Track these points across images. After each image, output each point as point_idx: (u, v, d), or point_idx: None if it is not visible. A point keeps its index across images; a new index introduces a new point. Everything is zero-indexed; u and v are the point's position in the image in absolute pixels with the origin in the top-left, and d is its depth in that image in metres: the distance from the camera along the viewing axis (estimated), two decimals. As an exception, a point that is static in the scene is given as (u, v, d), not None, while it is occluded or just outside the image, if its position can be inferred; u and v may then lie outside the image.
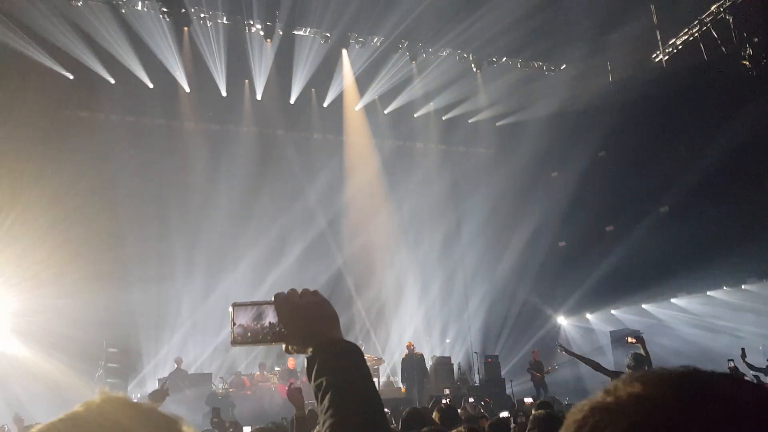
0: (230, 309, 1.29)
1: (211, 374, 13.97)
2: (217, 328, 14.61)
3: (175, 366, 13.52)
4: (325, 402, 1.14)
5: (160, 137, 16.80)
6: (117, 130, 16.32)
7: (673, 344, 15.83)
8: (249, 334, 1.28)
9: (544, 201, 18.08)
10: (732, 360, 9.61)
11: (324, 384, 1.16)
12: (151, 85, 16.54)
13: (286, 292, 1.29)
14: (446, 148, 19.98)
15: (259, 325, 1.28)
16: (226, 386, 13.13)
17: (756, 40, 15.91)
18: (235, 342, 1.29)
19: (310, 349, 1.22)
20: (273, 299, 1.28)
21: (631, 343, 7.65)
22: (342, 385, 1.15)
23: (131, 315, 14.86)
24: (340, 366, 1.18)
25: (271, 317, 1.28)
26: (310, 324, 1.25)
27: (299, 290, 1.30)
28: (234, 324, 1.28)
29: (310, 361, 1.20)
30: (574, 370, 16.93)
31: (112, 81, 16.17)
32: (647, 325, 16.87)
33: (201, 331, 15.79)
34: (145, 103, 16.67)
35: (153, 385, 14.29)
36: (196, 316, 15.67)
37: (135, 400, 1.02)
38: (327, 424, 1.12)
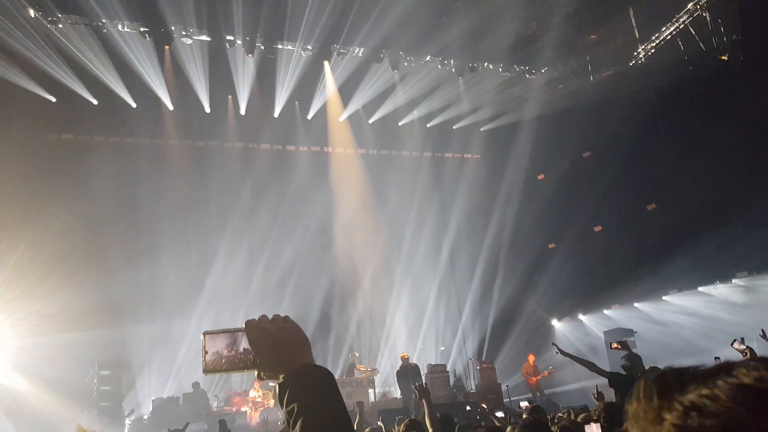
0: (201, 337, 1.29)
1: (205, 392, 13.92)
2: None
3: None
4: (297, 428, 1.14)
5: (145, 157, 16.78)
6: (101, 151, 16.35)
7: (667, 341, 15.83)
8: (223, 361, 1.28)
9: (532, 203, 18.11)
10: (718, 357, 9.53)
11: (296, 410, 1.16)
12: (134, 105, 16.57)
13: (257, 318, 1.30)
14: (432, 156, 20.02)
15: (233, 352, 1.28)
16: (221, 404, 13.07)
17: (734, 36, 16.08)
18: (207, 370, 1.28)
19: (282, 376, 1.23)
20: (244, 326, 1.28)
21: (616, 348, 7.63)
22: (313, 411, 1.15)
23: (127, 342, 14.79)
24: (311, 392, 1.18)
25: (244, 344, 1.28)
26: (281, 350, 1.25)
27: (270, 316, 1.31)
28: (206, 352, 1.28)
29: (282, 387, 1.21)
30: (570, 373, 16.90)
31: (95, 102, 16.19)
32: (641, 324, 16.89)
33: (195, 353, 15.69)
34: (129, 123, 16.70)
35: (147, 406, 14.23)
36: (189, 338, 15.48)
37: None
38: None
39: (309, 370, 1.22)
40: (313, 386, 1.19)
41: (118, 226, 15.57)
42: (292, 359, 1.24)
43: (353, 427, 1.19)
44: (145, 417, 13.63)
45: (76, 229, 14.33)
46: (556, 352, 7.69)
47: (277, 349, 1.25)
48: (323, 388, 1.20)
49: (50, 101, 15.52)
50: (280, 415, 12.07)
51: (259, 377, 1.27)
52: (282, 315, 1.32)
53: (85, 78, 15.71)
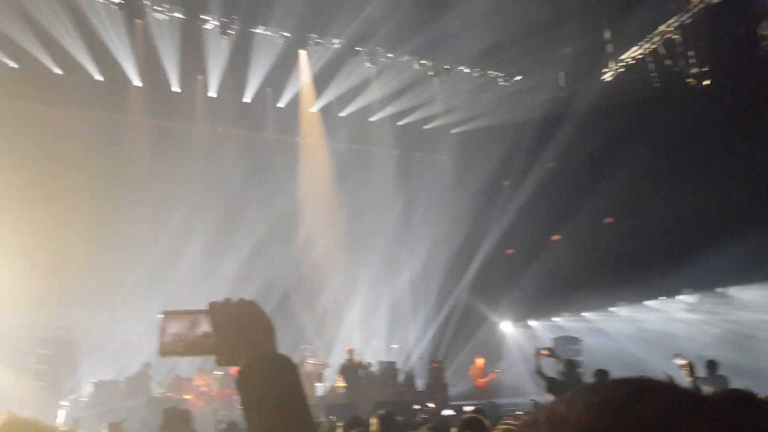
0: (160, 316, 1.23)
1: (150, 376, 13.75)
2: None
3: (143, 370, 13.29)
4: (254, 417, 1.10)
5: (107, 132, 16.35)
6: (62, 122, 15.86)
7: (610, 351, 16.38)
8: (181, 343, 1.22)
9: (495, 208, 18.38)
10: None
11: (255, 399, 1.12)
12: (100, 78, 16.09)
13: (221, 300, 1.24)
14: (401, 154, 20.06)
15: (192, 334, 1.22)
16: (164, 390, 12.94)
17: (701, 60, 16.52)
18: (164, 352, 1.23)
19: (243, 362, 1.17)
20: (208, 308, 1.22)
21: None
22: (273, 401, 1.11)
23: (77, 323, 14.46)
24: (271, 381, 1.13)
25: (205, 327, 1.22)
26: (244, 336, 1.19)
27: (236, 299, 1.25)
28: (164, 333, 1.23)
29: (241, 375, 1.15)
30: (515, 377, 17.38)
31: (60, 72, 15.67)
32: (587, 332, 17.44)
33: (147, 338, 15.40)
34: (93, 96, 16.19)
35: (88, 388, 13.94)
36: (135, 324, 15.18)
37: (43, 423, 1.00)
38: None
39: (271, 358, 1.18)
40: (274, 375, 1.14)
41: (73, 203, 15.15)
42: (254, 346, 1.19)
43: (312, 417, 1.17)
44: (84, 400, 13.34)
45: (28, 206, 13.90)
46: (541, 352, 7.88)
47: (240, 334, 1.19)
48: (284, 378, 1.15)
49: (12, 67, 14.97)
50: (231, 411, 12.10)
51: (218, 362, 1.21)
52: (247, 299, 1.26)
53: (50, 46, 15.14)
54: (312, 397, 13.20)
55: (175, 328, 1.23)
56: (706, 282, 15.20)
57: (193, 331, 1.22)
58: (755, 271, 13.41)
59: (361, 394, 14.01)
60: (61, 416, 12.23)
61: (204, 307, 1.23)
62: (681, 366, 8.71)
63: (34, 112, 15.92)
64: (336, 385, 14.75)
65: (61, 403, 12.84)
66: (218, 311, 1.22)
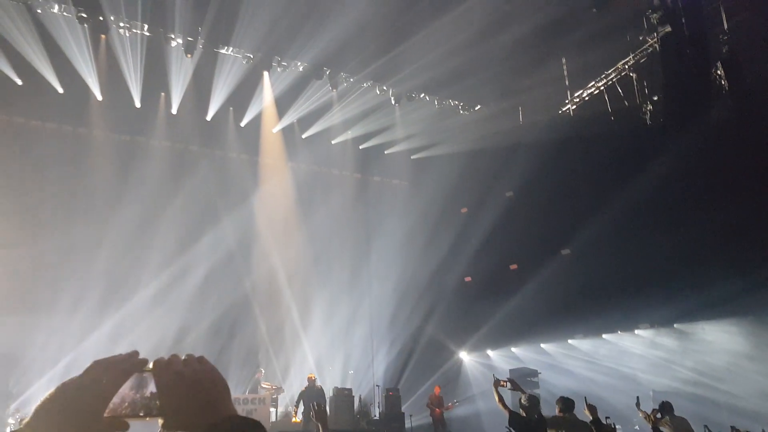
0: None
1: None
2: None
3: None
4: None
5: (66, 144, 16.28)
6: (21, 133, 15.77)
7: (567, 383, 16.19)
8: (126, 404, 1.05)
9: (453, 236, 18.39)
10: (608, 417, 9.74)
11: None
12: (61, 90, 16.10)
13: (166, 358, 1.09)
14: (361, 177, 20.20)
15: (138, 395, 1.05)
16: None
17: (655, 98, 16.99)
18: (108, 412, 1.04)
19: (203, 427, 1.01)
20: (151, 366, 1.07)
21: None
22: None
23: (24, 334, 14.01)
24: None
25: (152, 387, 1.06)
26: (196, 399, 1.04)
27: (182, 357, 1.10)
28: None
29: None
30: (473, 408, 17.05)
31: (20, 82, 15.66)
32: (544, 364, 17.25)
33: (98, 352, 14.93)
34: (53, 108, 16.15)
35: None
36: (81, 349, 14.46)
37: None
38: None
39: (232, 425, 1.02)
40: None
41: (26, 211, 14.95)
42: (210, 410, 1.03)
43: None
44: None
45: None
46: (502, 383, 7.70)
47: (192, 397, 1.04)
48: None
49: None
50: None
51: (165, 427, 1.03)
52: (196, 355, 1.11)
53: (11, 55, 15.15)
54: (266, 423, 12.77)
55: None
56: (662, 317, 15.21)
57: (139, 391, 1.06)
58: (714, 307, 13.46)
59: (313, 419, 13.58)
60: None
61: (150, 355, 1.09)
62: (646, 415, 8.67)
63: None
64: (293, 420, 14.31)
65: (8, 420, 12.36)
66: (163, 371, 1.06)
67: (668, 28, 16.22)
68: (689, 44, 15.98)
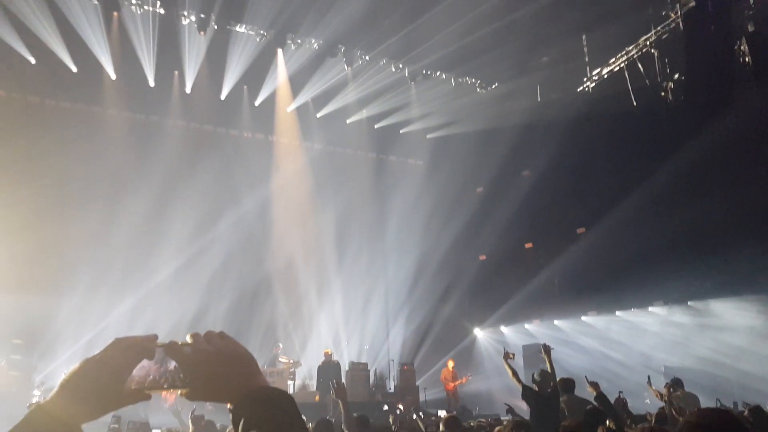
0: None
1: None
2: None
3: None
4: None
5: (81, 123, 16.21)
6: (35, 112, 15.72)
7: (579, 359, 16.42)
8: (150, 377, 1.09)
9: (468, 215, 18.39)
10: (621, 392, 9.91)
11: None
12: (74, 69, 15.96)
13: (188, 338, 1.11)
14: (376, 157, 20.09)
15: (162, 368, 1.09)
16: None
17: (676, 76, 16.65)
18: (133, 384, 1.09)
19: (235, 401, 1.06)
20: (171, 345, 1.10)
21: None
22: None
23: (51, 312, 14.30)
24: (272, 419, 1.03)
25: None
26: (229, 369, 1.08)
27: (202, 331, 1.13)
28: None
29: (236, 414, 1.04)
30: (485, 383, 17.37)
31: (33, 61, 15.53)
32: (558, 340, 17.46)
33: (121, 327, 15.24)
34: (67, 87, 16.06)
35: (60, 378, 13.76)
36: (103, 326, 14.75)
37: None
38: None
39: (265, 394, 1.07)
40: (273, 412, 1.04)
41: (45, 191, 15.02)
42: (242, 381, 1.08)
43: None
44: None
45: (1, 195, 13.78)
46: (510, 356, 7.94)
47: (221, 370, 1.07)
48: (285, 413, 1.05)
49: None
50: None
51: (192, 398, 1.08)
52: (217, 330, 1.14)
53: (24, 34, 14.99)
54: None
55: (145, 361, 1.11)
56: (676, 296, 15.28)
57: (164, 365, 1.10)
58: (730, 286, 13.49)
59: (332, 395, 13.93)
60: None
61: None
62: (658, 393, 8.83)
63: (6, 100, 15.77)
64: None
65: (33, 392, 12.73)
66: (177, 352, 1.08)
67: (692, 3, 15.82)
68: (713, 20, 15.59)
